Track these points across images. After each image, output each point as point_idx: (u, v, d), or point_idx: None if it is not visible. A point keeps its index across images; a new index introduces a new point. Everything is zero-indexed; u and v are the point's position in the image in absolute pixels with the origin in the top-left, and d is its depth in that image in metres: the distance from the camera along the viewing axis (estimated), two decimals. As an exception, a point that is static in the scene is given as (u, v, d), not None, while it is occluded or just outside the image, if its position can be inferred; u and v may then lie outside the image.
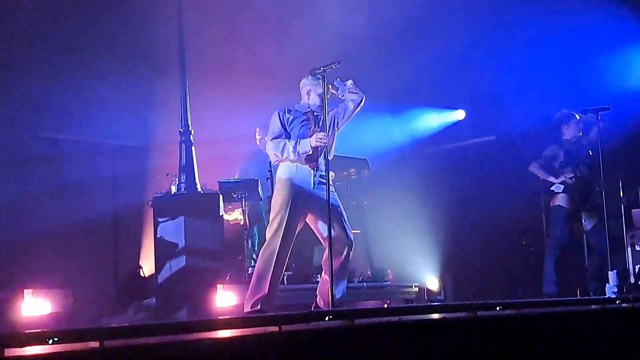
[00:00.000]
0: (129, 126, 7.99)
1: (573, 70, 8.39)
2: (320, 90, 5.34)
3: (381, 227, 8.45)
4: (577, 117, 7.24)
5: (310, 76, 5.46)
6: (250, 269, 6.98)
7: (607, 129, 6.84)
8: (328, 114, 5.32)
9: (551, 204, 7.15)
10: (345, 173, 7.93)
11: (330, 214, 5.11)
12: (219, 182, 7.31)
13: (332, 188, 5.36)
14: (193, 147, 6.88)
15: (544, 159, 7.23)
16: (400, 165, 9.15)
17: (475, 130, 10.13)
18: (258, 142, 7.53)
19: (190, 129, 6.90)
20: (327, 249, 5.15)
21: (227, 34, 7.76)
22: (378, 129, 9.15)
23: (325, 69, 5.24)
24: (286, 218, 5.23)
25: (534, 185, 8.25)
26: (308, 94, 5.49)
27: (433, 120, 10.17)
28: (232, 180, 7.38)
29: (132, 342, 3.24)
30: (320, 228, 5.31)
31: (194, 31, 7.18)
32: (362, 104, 5.48)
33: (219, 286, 6.39)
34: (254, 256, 7.21)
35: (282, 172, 5.36)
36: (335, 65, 5.22)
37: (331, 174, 5.38)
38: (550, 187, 7.15)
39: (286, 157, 5.30)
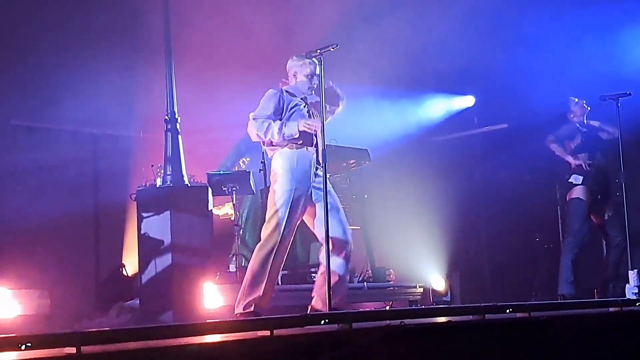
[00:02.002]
0: (111, 114, 7.98)
1: (592, 53, 8.38)
2: (308, 71, 5.37)
3: (383, 223, 8.46)
4: (575, 99, 7.27)
5: (295, 57, 5.46)
6: (232, 266, 6.99)
7: (626, 116, 6.83)
8: (318, 102, 5.33)
9: (568, 198, 7.13)
10: (345, 164, 7.93)
11: (328, 210, 5.08)
12: (207, 174, 7.31)
13: (317, 183, 5.37)
14: (180, 137, 6.86)
15: (560, 136, 7.21)
16: (403, 156, 9.14)
17: (486, 117, 10.11)
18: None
19: (176, 116, 6.87)
20: (324, 247, 5.15)
21: (216, 16, 7.74)
22: (380, 117, 9.13)
23: (322, 51, 5.22)
24: (287, 214, 5.21)
25: (548, 177, 8.26)
26: (295, 76, 5.51)
27: (439, 107, 10.16)
28: (221, 172, 7.38)
29: (112, 347, 3.24)
30: (317, 224, 5.31)
31: (181, 14, 7.16)
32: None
33: (208, 286, 6.39)
34: (246, 254, 7.21)
35: (283, 162, 5.31)
36: (333, 48, 5.20)
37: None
38: (568, 179, 7.11)
39: (269, 139, 5.30)
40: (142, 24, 7.59)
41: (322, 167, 5.15)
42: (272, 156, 5.45)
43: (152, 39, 7.24)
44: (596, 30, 8.26)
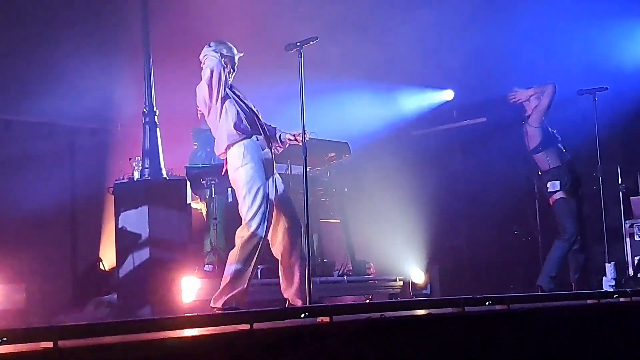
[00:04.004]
0: (88, 106, 7.91)
1: (569, 48, 8.42)
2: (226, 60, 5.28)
3: (363, 217, 8.45)
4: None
5: (212, 43, 5.32)
6: (209, 267, 6.95)
7: (603, 111, 6.86)
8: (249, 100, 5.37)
9: (551, 202, 7.12)
10: (325, 158, 7.92)
11: (284, 203, 5.24)
12: (186, 167, 7.27)
13: (277, 176, 5.37)
14: (158, 130, 6.82)
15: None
16: (383, 150, 9.14)
17: (465, 111, 10.14)
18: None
19: (155, 109, 6.83)
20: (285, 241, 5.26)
21: (195, 8, 7.69)
22: (360, 110, 9.13)
23: (302, 45, 5.20)
24: (267, 209, 5.17)
25: (527, 170, 8.29)
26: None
27: (419, 100, 10.17)
28: (200, 166, 7.34)
29: (89, 342, 3.21)
30: (273, 219, 5.31)
31: (159, 5, 7.11)
32: None
33: (186, 280, 6.35)
34: (220, 247, 7.16)
35: (251, 155, 5.19)
36: (313, 41, 5.20)
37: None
38: (547, 189, 7.09)
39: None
40: (120, 16, 7.53)
41: (303, 160, 5.15)
42: (225, 149, 5.25)
43: (130, 31, 7.18)
44: (577, 22, 8.29)
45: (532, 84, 7.24)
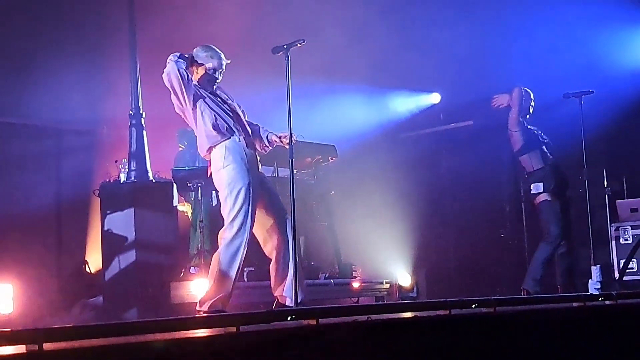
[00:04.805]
0: (74, 109, 7.89)
1: (555, 51, 8.47)
2: (211, 66, 5.30)
3: (349, 219, 8.46)
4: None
5: (199, 48, 5.34)
6: (194, 269, 6.95)
7: (589, 114, 6.90)
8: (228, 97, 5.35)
9: (536, 202, 7.14)
10: (312, 160, 7.92)
11: (271, 201, 5.24)
12: (172, 170, 7.26)
13: (262, 175, 5.39)
14: (144, 132, 6.81)
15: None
16: (370, 153, 9.17)
17: (452, 115, 10.18)
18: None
19: (141, 111, 6.82)
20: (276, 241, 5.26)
21: (181, 10, 7.68)
22: (346, 113, 9.15)
23: (289, 47, 5.20)
24: (250, 210, 5.15)
25: (512, 173, 8.34)
26: (196, 69, 5.38)
27: (406, 103, 10.21)
28: (187, 168, 7.34)
29: (75, 344, 3.19)
30: (262, 219, 5.29)
31: (145, 7, 7.10)
32: None
33: (172, 283, 6.34)
34: (207, 249, 7.16)
35: (233, 156, 5.17)
36: (300, 44, 5.19)
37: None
38: (530, 191, 7.11)
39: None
40: (106, 17, 7.51)
41: (289, 162, 5.15)
42: (207, 150, 5.24)
43: (117, 33, 7.16)
44: (565, 26, 8.34)
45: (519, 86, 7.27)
